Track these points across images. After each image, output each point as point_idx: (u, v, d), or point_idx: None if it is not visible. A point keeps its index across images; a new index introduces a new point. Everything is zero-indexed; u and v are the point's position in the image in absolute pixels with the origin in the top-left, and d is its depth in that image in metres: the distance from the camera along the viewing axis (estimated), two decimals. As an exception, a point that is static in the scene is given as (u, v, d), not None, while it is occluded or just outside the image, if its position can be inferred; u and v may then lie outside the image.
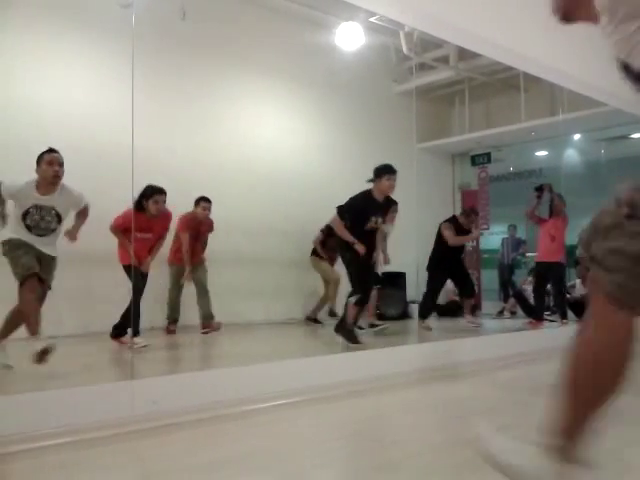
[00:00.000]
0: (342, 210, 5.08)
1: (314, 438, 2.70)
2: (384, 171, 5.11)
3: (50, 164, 3.82)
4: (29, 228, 3.84)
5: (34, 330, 3.59)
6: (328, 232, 6.40)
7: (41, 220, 3.86)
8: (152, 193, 4.89)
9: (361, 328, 5.88)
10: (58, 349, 3.53)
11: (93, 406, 2.76)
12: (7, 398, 2.60)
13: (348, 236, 4.98)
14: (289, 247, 6.76)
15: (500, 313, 8.03)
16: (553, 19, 1.90)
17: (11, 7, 5.39)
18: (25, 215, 3.82)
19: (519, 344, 5.04)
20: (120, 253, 4.86)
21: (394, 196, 5.26)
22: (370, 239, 5.14)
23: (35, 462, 2.34)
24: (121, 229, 4.82)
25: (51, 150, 3.85)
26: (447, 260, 6.31)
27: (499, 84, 8.07)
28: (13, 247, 3.79)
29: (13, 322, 3.80)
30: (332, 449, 2.52)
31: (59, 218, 3.95)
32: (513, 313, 7.73)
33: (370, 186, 5.08)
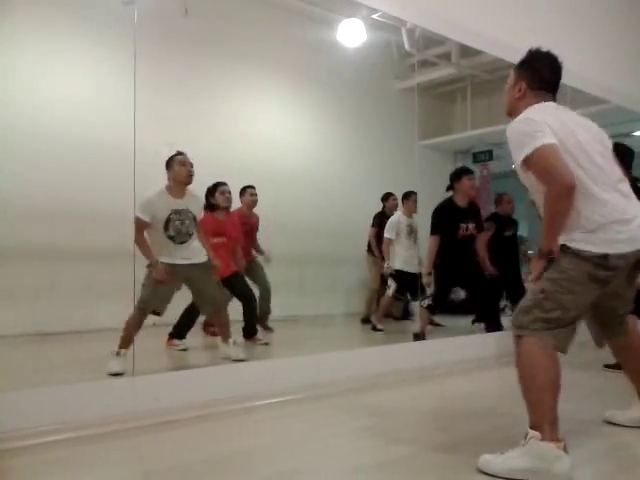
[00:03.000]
0: (432, 226, 5.12)
1: (312, 435, 2.70)
2: (462, 172, 5.18)
3: (183, 164, 3.86)
4: (172, 238, 3.80)
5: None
6: (379, 224, 6.40)
7: (182, 225, 3.84)
8: (215, 186, 4.89)
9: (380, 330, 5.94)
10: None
11: (94, 402, 2.77)
12: (6, 394, 2.60)
13: (430, 260, 5.08)
14: (289, 243, 6.75)
15: (502, 310, 8.01)
16: (553, 16, 2.22)
17: (13, 4, 5.38)
18: (167, 224, 3.78)
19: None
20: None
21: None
22: (464, 249, 5.15)
23: (35, 459, 2.35)
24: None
25: (180, 153, 3.88)
26: None
27: (501, 81, 8.03)
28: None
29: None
30: (334, 445, 2.53)
31: (195, 222, 3.94)
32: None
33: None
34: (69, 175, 5.24)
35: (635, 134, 7.64)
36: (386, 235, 6.08)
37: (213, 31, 6.25)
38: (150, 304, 3.71)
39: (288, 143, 7.23)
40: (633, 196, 2.29)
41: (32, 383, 2.95)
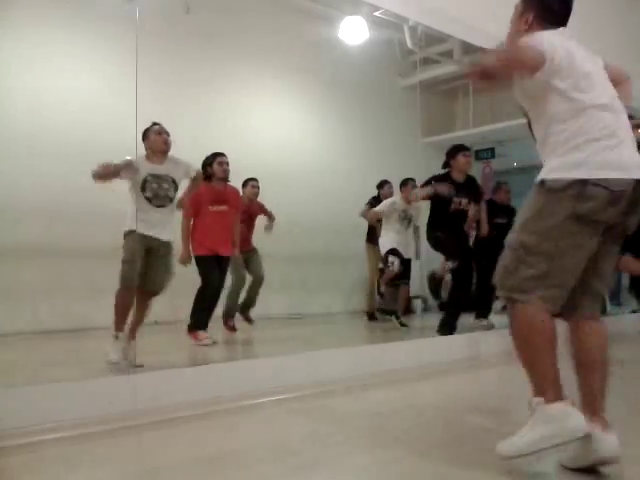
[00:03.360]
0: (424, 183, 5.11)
1: (313, 433, 2.70)
2: (458, 149, 5.16)
3: (159, 134, 3.93)
4: (149, 200, 3.85)
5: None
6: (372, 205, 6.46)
7: (159, 188, 3.88)
8: (214, 156, 4.99)
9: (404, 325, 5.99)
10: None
11: (94, 400, 2.77)
12: (7, 391, 2.61)
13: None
14: (291, 241, 6.75)
15: (504, 308, 7.98)
16: None
17: (14, 1, 5.38)
18: (144, 185, 3.83)
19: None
20: (194, 243, 4.84)
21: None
22: (455, 222, 5.09)
23: (35, 456, 2.35)
24: (193, 211, 4.81)
25: (155, 123, 3.95)
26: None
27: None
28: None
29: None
30: (334, 444, 2.53)
31: (175, 185, 3.99)
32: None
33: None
34: (70, 173, 5.22)
35: (637, 130, 7.62)
36: (375, 209, 6.16)
37: (215, 28, 6.25)
38: (132, 279, 3.72)
39: (290, 141, 7.23)
40: (624, 120, 2.06)
41: (33, 381, 2.95)
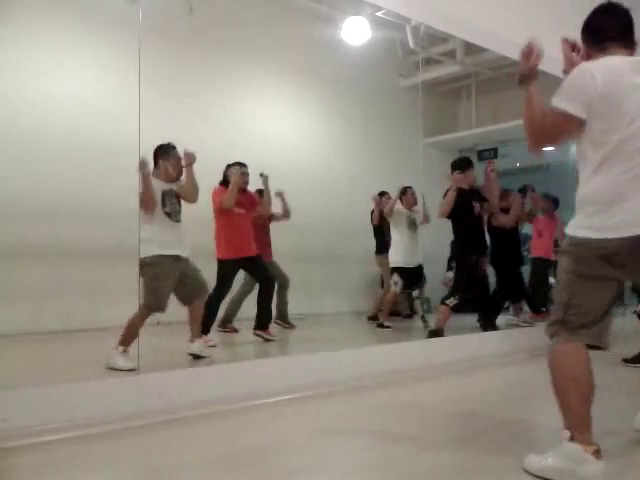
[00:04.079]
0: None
1: (319, 433, 2.70)
2: (468, 164, 5.40)
3: (179, 161, 4.05)
4: (169, 215, 3.95)
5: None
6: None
7: (172, 205, 4.00)
8: (239, 165, 5.12)
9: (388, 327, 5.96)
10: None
11: (100, 400, 2.77)
12: (14, 392, 2.61)
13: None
14: (294, 242, 6.75)
15: (506, 309, 7.99)
16: (558, 13, 2.17)
17: (16, 3, 5.39)
18: (163, 201, 3.92)
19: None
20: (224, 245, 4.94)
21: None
22: (479, 225, 5.40)
23: (42, 456, 2.36)
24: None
25: (173, 147, 4.07)
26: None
27: (506, 79, 8.02)
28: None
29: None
30: (342, 443, 2.53)
31: (179, 200, 4.08)
32: (520, 309, 7.70)
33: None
34: (74, 174, 5.25)
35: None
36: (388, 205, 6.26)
37: (218, 30, 6.25)
38: (161, 303, 3.80)
39: (292, 141, 7.22)
40: None
41: (39, 381, 2.96)
